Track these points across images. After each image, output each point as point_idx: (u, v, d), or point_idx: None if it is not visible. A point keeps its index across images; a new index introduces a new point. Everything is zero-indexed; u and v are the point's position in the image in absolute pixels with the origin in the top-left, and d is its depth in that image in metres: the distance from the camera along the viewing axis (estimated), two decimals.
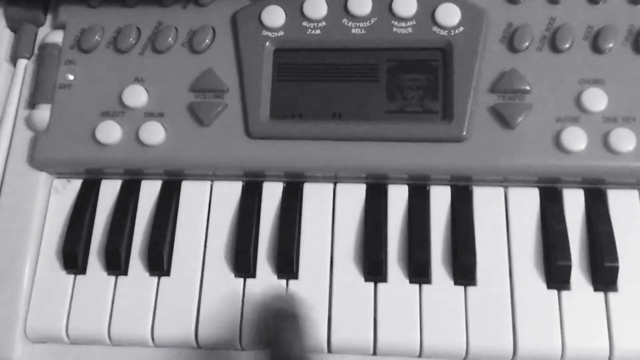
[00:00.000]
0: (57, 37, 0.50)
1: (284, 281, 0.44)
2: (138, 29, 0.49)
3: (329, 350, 0.43)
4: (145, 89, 0.47)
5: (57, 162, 0.47)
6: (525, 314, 0.42)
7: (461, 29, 0.46)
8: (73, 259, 0.45)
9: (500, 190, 0.45)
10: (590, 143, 0.43)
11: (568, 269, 0.42)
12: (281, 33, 0.47)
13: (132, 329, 0.44)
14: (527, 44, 0.46)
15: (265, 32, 0.47)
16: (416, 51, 0.47)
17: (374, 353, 0.43)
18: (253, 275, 0.45)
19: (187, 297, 0.44)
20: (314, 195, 0.46)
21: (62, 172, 0.48)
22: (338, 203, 0.46)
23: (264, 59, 0.47)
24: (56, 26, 0.51)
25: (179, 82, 0.47)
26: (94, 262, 0.46)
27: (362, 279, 0.44)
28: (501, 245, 0.44)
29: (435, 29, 0.47)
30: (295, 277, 0.44)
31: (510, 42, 0.46)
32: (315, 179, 0.46)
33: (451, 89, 0.45)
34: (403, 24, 0.47)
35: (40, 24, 0.52)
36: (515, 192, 0.45)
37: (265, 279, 0.44)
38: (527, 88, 0.45)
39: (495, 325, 0.42)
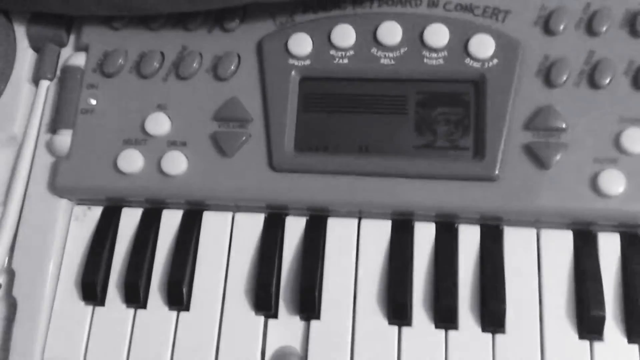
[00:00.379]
0: (80, 59, 0.49)
1: (305, 322, 0.43)
2: (162, 53, 0.48)
3: None
4: (168, 117, 0.46)
5: (78, 190, 0.46)
6: None
7: (495, 61, 0.44)
8: (92, 289, 0.45)
9: (533, 231, 0.44)
10: (629, 186, 0.41)
11: (602, 320, 0.40)
12: (308, 62, 0.46)
13: None
14: (564, 78, 0.44)
15: (291, 61, 0.46)
16: (447, 83, 0.45)
17: None
18: (274, 314, 0.43)
19: (206, 334, 0.43)
20: (338, 230, 0.45)
21: (83, 199, 0.47)
22: (362, 239, 0.45)
23: (289, 88, 0.46)
24: (79, 48, 0.50)
25: (203, 110, 0.46)
26: (113, 293, 0.45)
27: (386, 322, 0.42)
28: (532, 290, 0.42)
29: (467, 60, 0.45)
30: (318, 317, 0.43)
31: (547, 76, 0.44)
32: (339, 214, 0.45)
33: (483, 124, 0.43)
34: (434, 55, 0.45)
35: (63, 45, 0.51)
36: (548, 234, 0.43)
37: (287, 319, 0.43)
38: (564, 126, 0.43)
39: None
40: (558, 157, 0.42)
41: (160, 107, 0.47)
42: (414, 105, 0.45)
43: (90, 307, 0.45)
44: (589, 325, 0.41)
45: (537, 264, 0.43)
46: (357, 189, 0.44)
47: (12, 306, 0.46)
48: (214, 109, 0.46)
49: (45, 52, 0.50)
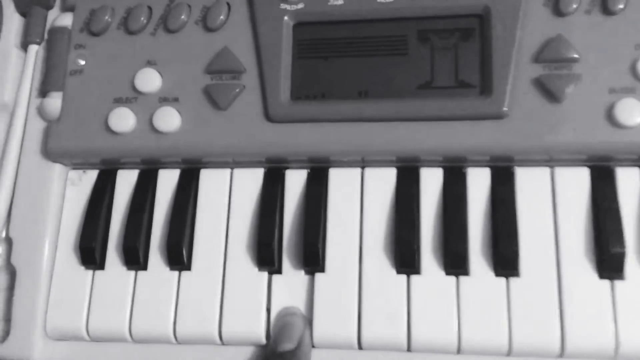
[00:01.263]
0: (67, 20, 0.47)
1: (310, 275, 0.42)
2: (149, 7, 0.46)
3: (360, 347, 0.40)
4: (159, 72, 0.44)
5: (70, 153, 0.45)
6: (575, 307, 0.39)
7: None
8: (90, 254, 0.43)
9: (546, 170, 0.41)
10: None
11: (622, 256, 0.38)
12: (300, 5, 0.44)
13: (153, 326, 0.42)
14: (574, 6, 0.41)
15: (283, 5, 0.44)
16: (449, 19, 0.42)
17: (408, 349, 0.40)
18: (278, 269, 0.42)
19: (209, 293, 0.42)
20: (341, 181, 0.43)
21: (77, 163, 0.46)
22: (366, 189, 0.43)
23: (282, 35, 0.43)
24: (65, 9, 0.48)
25: (194, 63, 0.44)
26: (113, 257, 0.44)
27: (394, 271, 0.41)
28: (547, 231, 0.40)
29: None
30: (322, 269, 0.41)
31: (556, 4, 0.41)
32: (341, 164, 0.43)
33: (490, 60, 0.41)
34: None
35: (49, 7, 0.49)
36: (562, 173, 0.41)
37: (291, 274, 0.42)
38: (576, 56, 0.40)
39: (540, 319, 0.39)
40: (571, 89, 0.40)
41: (150, 63, 0.45)
42: (414, 45, 0.42)
43: (90, 272, 0.44)
44: (609, 263, 0.38)
45: (551, 204, 0.41)
46: (358, 136, 0.42)
47: (12, 275, 0.45)
48: (206, 61, 0.44)
49: (32, 16, 0.49)
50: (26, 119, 0.47)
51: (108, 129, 0.44)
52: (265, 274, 0.42)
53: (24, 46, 0.49)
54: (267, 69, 0.43)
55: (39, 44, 0.49)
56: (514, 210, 0.40)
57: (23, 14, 0.50)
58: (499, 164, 0.42)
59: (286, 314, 0.41)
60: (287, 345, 0.38)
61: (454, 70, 0.42)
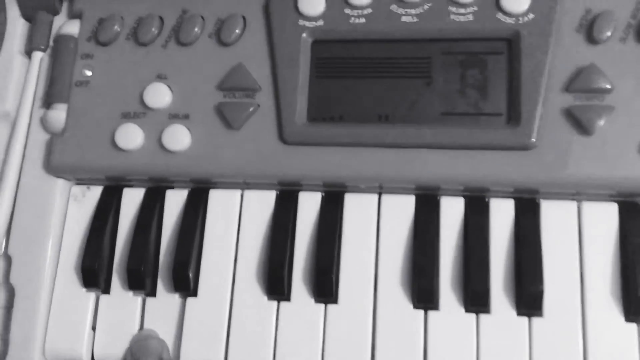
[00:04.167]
0: (74, 28, 0.45)
1: (321, 306, 0.40)
2: (161, 18, 0.44)
3: None
4: (169, 87, 0.42)
5: (74, 168, 0.43)
6: (599, 350, 0.37)
7: (531, 16, 0.40)
8: (92, 275, 0.42)
9: (573, 204, 0.39)
10: None
11: None
12: (320, 22, 0.42)
13: None
14: (608, 33, 0.39)
15: (302, 22, 0.42)
16: (477, 42, 0.41)
17: None
18: (287, 298, 0.40)
19: (216, 321, 0.40)
20: (357, 207, 0.41)
21: (81, 178, 0.44)
22: (383, 216, 0.41)
23: (300, 52, 0.41)
24: (72, 15, 0.46)
25: (206, 79, 0.42)
26: (117, 279, 0.42)
27: (411, 306, 0.39)
28: (572, 269, 0.38)
29: (500, 15, 0.40)
30: (335, 301, 0.40)
31: (589, 31, 0.39)
32: (357, 189, 0.41)
33: (518, 87, 0.39)
34: (462, 10, 0.40)
35: (55, 12, 0.47)
36: (590, 207, 0.39)
37: (302, 303, 0.40)
38: (609, 87, 0.38)
39: None
40: (602, 121, 0.38)
41: (160, 77, 0.43)
42: (439, 68, 0.41)
43: (92, 294, 0.42)
44: (636, 305, 0.37)
45: (577, 240, 0.39)
46: (376, 162, 0.40)
47: (10, 293, 0.43)
48: (219, 77, 0.42)
49: (37, 21, 0.47)
50: (28, 130, 0.45)
51: (114, 145, 0.42)
52: (274, 304, 0.40)
53: (28, 52, 0.47)
54: (283, 87, 0.41)
55: (44, 50, 0.47)
56: (539, 246, 0.38)
57: (28, 18, 0.48)
58: (524, 195, 0.40)
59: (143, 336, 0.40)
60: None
61: (480, 97, 0.40)
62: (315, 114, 0.41)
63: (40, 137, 0.44)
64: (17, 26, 0.47)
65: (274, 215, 0.42)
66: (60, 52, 0.45)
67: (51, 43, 0.46)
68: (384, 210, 0.41)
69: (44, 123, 0.44)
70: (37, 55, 0.46)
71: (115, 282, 0.42)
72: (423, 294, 0.38)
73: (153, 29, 0.43)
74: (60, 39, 0.45)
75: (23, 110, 0.45)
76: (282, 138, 0.41)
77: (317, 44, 0.42)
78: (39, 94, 0.45)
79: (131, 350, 0.39)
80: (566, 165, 0.38)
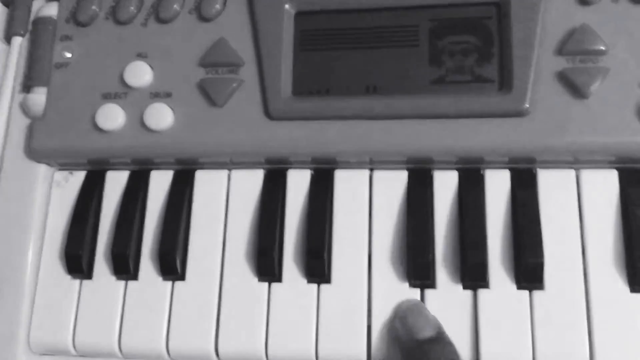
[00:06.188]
0: (52, 10, 0.44)
1: (314, 286, 0.38)
2: None
3: None
4: (150, 66, 0.41)
5: (56, 152, 0.42)
6: (604, 321, 0.35)
7: None
8: (77, 262, 0.40)
9: (571, 172, 0.38)
10: None
11: None
12: None
13: (144, 342, 0.39)
14: None
15: None
16: (465, 7, 0.39)
17: None
18: (279, 279, 0.39)
19: (205, 305, 0.39)
20: (347, 184, 0.40)
21: (64, 163, 0.43)
22: (375, 192, 0.39)
23: (283, 25, 0.40)
24: None
25: (188, 56, 0.41)
26: (101, 265, 0.41)
27: (407, 284, 0.37)
28: (573, 239, 0.37)
29: None
30: (328, 281, 0.38)
31: None
32: (347, 165, 0.40)
33: (509, 52, 0.38)
34: None
35: None
36: (589, 175, 0.38)
37: (293, 284, 0.38)
38: (603, 48, 0.37)
39: (567, 335, 0.35)
40: (597, 83, 0.37)
41: (140, 56, 0.42)
42: (427, 35, 0.39)
43: (77, 281, 0.41)
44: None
45: (577, 209, 0.37)
46: (366, 135, 0.38)
47: None
48: (200, 53, 0.41)
49: (16, 6, 0.46)
50: (9, 116, 0.44)
51: (96, 126, 0.41)
52: (265, 285, 0.39)
53: (7, 38, 0.46)
54: (267, 61, 0.40)
55: (22, 35, 0.45)
56: (537, 217, 0.37)
57: (6, 3, 0.47)
58: (520, 165, 0.38)
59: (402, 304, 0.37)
60: (428, 332, 0.35)
61: (470, 64, 0.38)
62: (300, 87, 0.40)
63: (21, 123, 0.43)
64: None
65: (262, 194, 0.40)
66: (39, 35, 0.44)
67: (30, 27, 0.45)
68: (376, 186, 0.40)
69: (24, 107, 0.43)
70: (17, 40, 0.45)
71: (99, 267, 0.41)
72: (419, 271, 0.37)
73: (132, 8, 0.42)
74: (39, 22, 0.44)
75: (3, 96, 0.44)
76: (268, 113, 0.39)
77: (300, 15, 0.40)
78: (19, 79, 0.44)
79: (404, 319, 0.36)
80: (562, 131, 0.37)
